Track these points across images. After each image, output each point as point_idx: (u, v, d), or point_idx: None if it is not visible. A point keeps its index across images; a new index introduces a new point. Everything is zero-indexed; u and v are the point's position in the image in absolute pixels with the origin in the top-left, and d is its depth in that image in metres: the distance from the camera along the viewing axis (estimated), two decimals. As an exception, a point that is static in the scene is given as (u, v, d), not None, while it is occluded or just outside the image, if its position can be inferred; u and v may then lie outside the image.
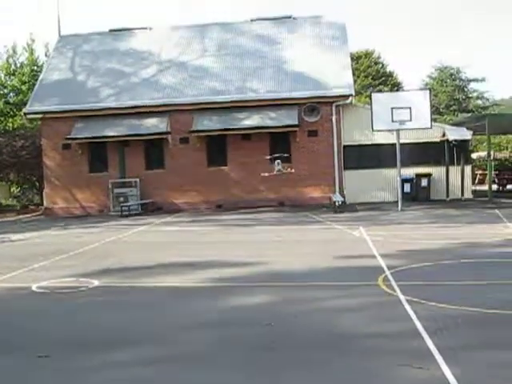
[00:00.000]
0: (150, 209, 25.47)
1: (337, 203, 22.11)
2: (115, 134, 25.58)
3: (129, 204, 24.62)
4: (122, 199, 25.30)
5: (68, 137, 25.72)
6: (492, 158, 31.40)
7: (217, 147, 25.83)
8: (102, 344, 6.63)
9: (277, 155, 24.23)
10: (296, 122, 24.69)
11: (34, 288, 9.73)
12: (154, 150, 26.17)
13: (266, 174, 24.36)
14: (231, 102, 25.48)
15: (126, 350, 6.37)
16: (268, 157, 24.70)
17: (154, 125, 25.80)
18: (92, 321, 7.69)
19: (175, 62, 28.24)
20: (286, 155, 24.40)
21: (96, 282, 9.96)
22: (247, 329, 6.99)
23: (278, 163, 24.08)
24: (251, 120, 25.16)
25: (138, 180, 25.72)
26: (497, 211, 19.97)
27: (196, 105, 25.73)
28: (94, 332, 7.15)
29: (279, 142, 25.43)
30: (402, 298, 8.05)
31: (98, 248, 14.57)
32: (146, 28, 30.80)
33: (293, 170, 24.61)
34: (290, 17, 30.17)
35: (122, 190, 25.63)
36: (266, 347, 6.26)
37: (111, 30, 30.92)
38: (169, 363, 5.93)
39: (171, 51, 28.93)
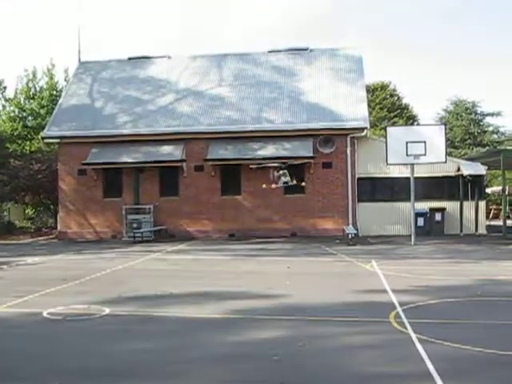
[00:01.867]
0: (163, 236, 25.53)
1: (350, 235, 22.05)
2: (131, 160, 25.80)
3: (142, 230, 24.70)
4: (135, 225, 25.40)
5: (84, 162, 25.97)
6: (507, 193, 31.24)
7: (231, 176, 25.94)
8: (111, 375, 6.63)
9: (283, 166, 23.70)
10: (311, 154, 24.79)
11: (45, 314, 9.75)
12: (168, 177, 26.33)
13: (273, 186, 23.45)
14: (246, 131, 25.66)
15: (133, 382, 6.35)
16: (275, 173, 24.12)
17: (169, 152, 26.00)
18: (102, 350, 7.68)
19: (192, 91, 28.53)
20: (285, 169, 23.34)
21: (107, 310, 9.97)
22: (258, 364, 6.95)
23: (285, 174, 23.22)
24: (266, 150, 25.29)
25: (151, 206, 25.83)
26: (511, 247, 19.83)
27: (211, 134, 25.94)
28: (104, 362, 7.14)
29: (294, 172, 25.41)
30: (414, 336, 7.98)
31: (110, 274, 14.60)
32: (164, 56, 31.21)
33: (303, 184, 24.22)
34: (306, 49, 30.46)
35: (135, 216, 25.75)
36: (275, 384, 6.23)
37: (130, 58, 31.37)
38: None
39: (189, 80, 29.24)
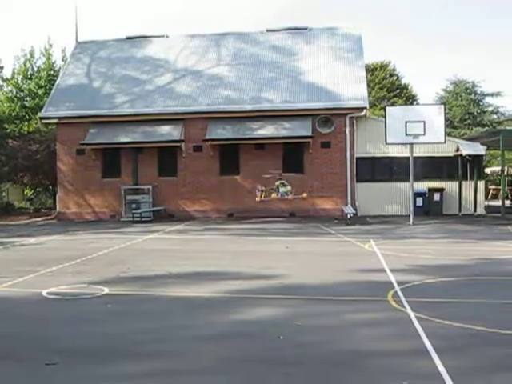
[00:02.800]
0: (162, 216, 25.55)
1: (348, 215, 22.08)
2: (129, 140, 25.75)
3: (141, 211, 24.71)
4: (134, 206, 25.41)
5: (82, 142, 25.92)
6: (506, 173, 31.24)
7: (230, 156, 25.91)
8: (110, 354, 6.65)
9: (278, 176, 23.52)
10: (310, 133, 24.74)
11: (44, 294, 9.78)
12: (167, 157, 26.29)
13: (257, 199, 23.76)
14: (245, 111, 25.57)
15: (134, 362, 6.37)
16: (267, 175, 24.13)
17: (167, 132, 25.94)
18: (101, 329, 7.70)
19: (190, 71, 28.39)
20: (282, 180, 23.63)
21: (106, 290, 9.99)
22: (259, 342, 6.98)
23: (283, 184, 23.18)
24: (265, 130, 25.24)
25: (150, 187, 25.82)
26: (509, 227, 19.88)
27: (210, 113, 25.84)
28: (103, 341, 7.17)
29: (292, 152, 25.47)
30: (412, 314, 8.01)
31: (109, 254, 14.63)
32: (162, 36, 31.01)
33: (305, 195, 24.14)
34: (306, 28, 30.27)
35: (134, 196, 25.75)
36: (277, 362, 6.25)
37: (128, 37, 31.18)
38: (179, 377, 5.93)
39: (187, 59, 29.09)
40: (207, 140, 25.43)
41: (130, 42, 30.88)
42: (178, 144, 25.82)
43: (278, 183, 23.03)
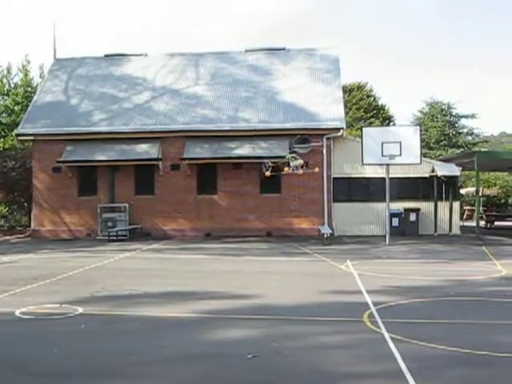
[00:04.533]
0: (138, 234, 25.38)
1: (325, 235, 22.12)
2: (106, 158, 25.61)
3: (117, 229, 24.53)
4: (110, 224, 25.23)
5: (59, 160, 25.73)
6: (480, 194, 31.60)
7: (207, 175, 25.89)
8: (83, 375, 6.56)
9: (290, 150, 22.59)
10: (287, 153, 24.75)
11: (17, 313, 9.64)
12: (144, 175, 26.18)
13: (267, 174, 21.99)
14: (223, 130, 25.61)
15: (107, 383, 6.29)
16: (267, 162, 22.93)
17: (145, 151, 25.86)
18: (74, 350, 7.60)
19: (169, 89, 28.40)
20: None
21: (80, 310, 9.88)
22: (231, 363, 6.94)
23: (295, 158, 22.18)
24: (242, 149, 25.28)
25: (127, 205, 25.67)
26: (484, 248, 20.05)
27: (188, 132, 25.85)
28: (77, 362, 7.07)
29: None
30: (387, 336, 8.02)
31: (83, 273, 14.47)
32: (141, 54, 31.03)
33: (316, 169, 23.58)
34: (283, 48, 30.51)
35: (110, 214, 25.56)
36: (253, 383, 6.21)
37: (106, 55, 31.16)
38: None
39: (165, 78, 29.12)
40: (185, 159, 25.39)
41: (109, 60, 30.84)
42: (156, 162, 25.74)
43: (289, 156, 22.34)
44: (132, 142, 26.03)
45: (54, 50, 31.07)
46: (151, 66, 29.98)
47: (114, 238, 23.94)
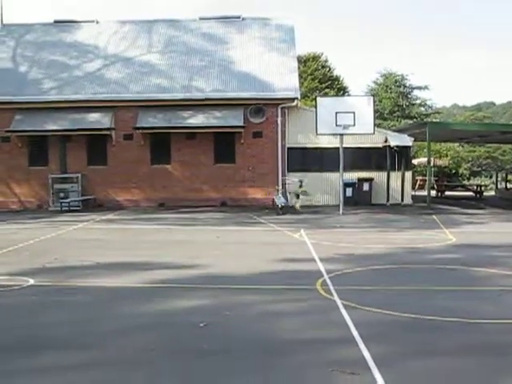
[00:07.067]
0: (91, 205, 25.05)
1: (279, 205, 22.20)
2: (57, 127, 25.06)
3: (69, 200, 24.15)
4: (62, 195, 24.81)
5: (7, 129, 25.07)
6: (432, 164, 32.12)
7: (161, 145, 25.60)
8: (34, 347, 6.45)
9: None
10: (241, 123, 24.70)
11: (-36, 285, 9.43)
12: (96, 145, 25.72)
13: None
14: (177, 100, 25.27)
15: (58, 354, 6.21)
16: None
17: (97, 120, 25.39)
18: (24, 322, 7.47)
19: (121, 57, 27.85)
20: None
21: (31, 281, 9.71)
22: (184, 332, 6.93)
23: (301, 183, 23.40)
24: (196, 119, 25.05)
25: (79, 176, 25.25)
26: (434, 217, 20.45)
27: (141, 101, 25.44)
28: (26, 333, 6.95)
29: (224, 142, 25.40)
30: (339, 302, 8.11)
31: (34, 245, 14.22)
32: (92, 21, 30.29)
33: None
34: (238, 17, 30.17)
35: (62, 185, 25.10)
36: (202, 352, 6.21)
37: (56, 21, 30.31)
38: (103, 368, 5.80)
39: (117, 46, 28.53)
40: (138, 128, 25.04)
41: (59, 27, 30.01)
42: (108, 132, 25.32)
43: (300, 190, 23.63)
44: (83, 111, 25.48)
45: (1, 15, 30.14)
46: (102, 33, 29.31)
47: (67, 209, 23.57)
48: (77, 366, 5.85)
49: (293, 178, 24.26)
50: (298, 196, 23.62)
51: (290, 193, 24.30)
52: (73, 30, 29.74)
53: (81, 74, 27.00)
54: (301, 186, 23.83)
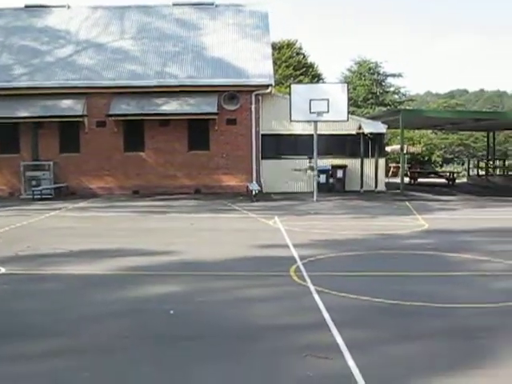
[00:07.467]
0: (64, 193, 24.80)
1: (253, 192, 22.21)
2: (28, 114, 24.70)
3: (41, 188, 23.88)
4: (34, 182, 24.51)
5: (-23, 116, 24.66)
6: (405, 151, 32.35)
7: (134, 132, 25.41)
8: (5, 335, 6.39)
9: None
10: (215, 110, 24.60)
11: None
12: (69, 132, 25.44)
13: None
14: (150, 86, 25.07)
15: (30, 342, 6.14)
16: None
17: (69, 107, 25.09)
18: (-5, 310, 7.40)
19: (93, 43, 27.51)
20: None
21: (2, 269, 9.60)
22: (158, 319, 6.91)
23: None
24: (170, 106, 24.88)
25: (51, 163, 24.97)
26: (407, 203, 20.63)
27: (114, 88, 25.16)
28: (-3, 321, 6.89)
29: (198, 128, 25.29)
30: (313, 288, 8.15)
31: (6, 233, 14.05)
32: (63, 6, 29.83)
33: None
34: (212, 3, 29.97)
35: (34, 173, 24.80)
36: (176, 338, 6.21)
37: (27, 6, 29.80)
38: (75, 356, 5.75)
39: (89, 31, 28.17)
40: (111, 115, 24.81)
41: (29, 11, 29.52)
42: (81, 119, 25.04)
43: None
44: (55, 97, 25.13)
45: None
46: (74, 18, 28.90)
47: (39, 197, 23.30)
48: (50, 353, 5.81)
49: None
50: (312, 168, 23.89)
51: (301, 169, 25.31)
52: (43, 15, 29.29)
53: (52, 59, 26.64)
54: (310, 162, 24.39)
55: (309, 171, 24.64)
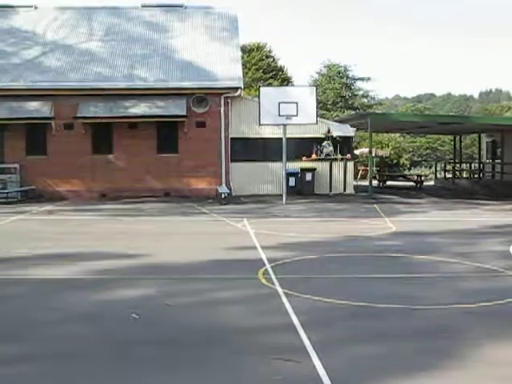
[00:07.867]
0: (31, 196, 24.44)
1: (223, 195, 22.15)
2: (-7, 116, 24.31)
3: (7, 191, 23.52)
4: (0, 185, 24.12)
5: None
6: (373, 154, 32.57)
7: (102, 135, 25.16)
8: (-35, 340, 6.25)
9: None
10: (184, 113, 24.48)
11: None
12: (35, 135, 25.08)
13: (313, 157, 24.96)
14: (118, 89, 24.85)
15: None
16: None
17: (36, 109, 24.75)
18: (-44, 315, 7.24)
19: (60, 44, 27.18)
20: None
21: (-36, 274, 9.42)
22: (122, 323, 6.81)
23: (329, 144, 24.58)
24: (138, 108, 24.70)
25: (17, 166, 24.60)
26: (376, 206, 20.76)
27: (81, 90, 24.86)
28: (-43, 327, 6.73)
29: (167, 131, 25.16)
30: (281, 291, 8.14)
31: (-31, 237, 13.79)
32: (31, 6, 29.42)
33: (348, 155, 25.52)
34: (181, 6, 29.85)
35: (0, 175, 24.40)
36: (140, 342, 6.12)
37: (-9, 7, 29.34)
38: (38, 361, 5.64)
39: (56, 32, 27.83)
40: (78, 118, 24.54)
41: (-6, 12, 29.09)
42: (48, 121, 24.71)
43: (322, 145, 24.94)
44: (22, 99, 24.77)
45: None
46: (41, 19, 28.51)
47: (4, 200, 22.94)
48: (10, 358, 5.68)
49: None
50: (329, 144, 24.93)
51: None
52: (9, 16, 28.86)
53: (19, 61, 26.24)
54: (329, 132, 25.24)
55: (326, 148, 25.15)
